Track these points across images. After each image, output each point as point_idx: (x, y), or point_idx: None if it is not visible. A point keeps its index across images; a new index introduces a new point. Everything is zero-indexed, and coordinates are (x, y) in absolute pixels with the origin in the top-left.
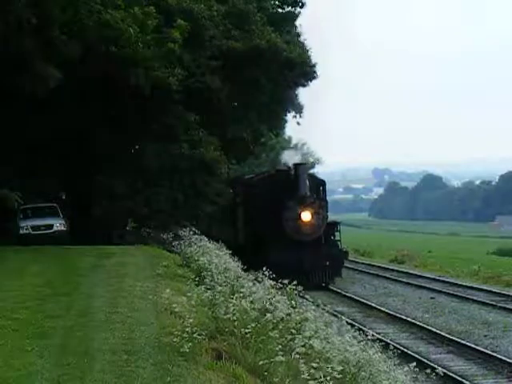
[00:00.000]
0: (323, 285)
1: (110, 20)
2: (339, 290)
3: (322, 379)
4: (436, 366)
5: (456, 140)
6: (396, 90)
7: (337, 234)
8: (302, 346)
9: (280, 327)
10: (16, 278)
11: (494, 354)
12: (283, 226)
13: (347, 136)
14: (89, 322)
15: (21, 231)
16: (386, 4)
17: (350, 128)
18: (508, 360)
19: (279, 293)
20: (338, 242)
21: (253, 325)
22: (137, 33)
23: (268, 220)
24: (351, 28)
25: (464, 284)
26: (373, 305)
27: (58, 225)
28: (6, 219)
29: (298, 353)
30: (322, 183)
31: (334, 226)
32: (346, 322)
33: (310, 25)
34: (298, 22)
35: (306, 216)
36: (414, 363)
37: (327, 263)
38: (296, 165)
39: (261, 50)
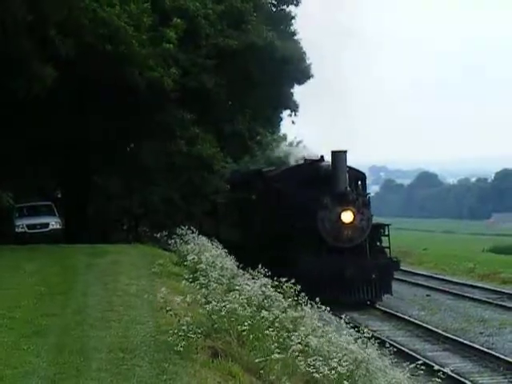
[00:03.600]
0: (368, 303)
1: (106, 17)
2: None
3: (319, 376)
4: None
5: (452, 138)
6: (392, 88)
7: (384, 238)
8: (299, 344)
9: (276, 325)
10: (12, 277)
11: (490, 352)
12: (318, 228)
13: (344, 134)
14: (84, 321)
15: (16, 230)
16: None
17: (347, 126)
18: (504, 357)
19: (276, 291)
20: (387, 250)
21: (249, 322)
22: (132, 31)
23: (296, 221)
24: (348, 25)
25: (460, 281)
26: (368, 302)
27: (54, 223)
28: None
29: (294, 350)
30: (363, 176)
31: (380, 228)
32: (344, 320)
33: (308, 23)
34: (295, 21)
35: (348, 217)
36: (411, 362)
37: (374, 275)
38: (334, 152)
39: (256, 47)
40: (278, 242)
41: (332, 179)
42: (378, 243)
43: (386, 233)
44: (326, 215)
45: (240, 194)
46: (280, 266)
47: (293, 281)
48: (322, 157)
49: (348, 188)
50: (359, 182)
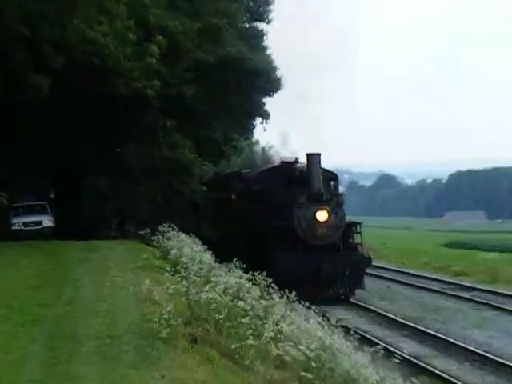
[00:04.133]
0: (342, 297)
1: (94, 36)
2: None
3: (290, 360)
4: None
5: (410, 142)
6: (357, 92)
7: (357, 236)
8: (271, 331)
9: (250, 313)
10: (9, 270)
11: (444, 337)
12: (294, 226)
13: (313, 138)
14: (76, 310)
15: (13, 227)
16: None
17: (314, 131)
18: (456, 342)
19: (250, 282)
20: (359, 246)
21: (225, 311)
22: (118, 47)
23: (273, 220)
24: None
25: (417, 274)
26: (342, 297)
27: (47, 221)
28: None
29: (267, 337)
30: (335, 177)
31: (352, 226)
32: (312, 309)
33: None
34: (266, 37)
35: (323, 215)
36: (372, 346)
37: (347, 271)
38: (308, 155)
39: (231, 60)
40: (257, 240)
41: (307, 180)
42: (351, 240)
43: (359, 230)
44: (301, 214)
45: (220, 194)
46: (258, 263)
47: (264, 273)
48: (296, 159)
49: (322, 188)
50: (332, 183)
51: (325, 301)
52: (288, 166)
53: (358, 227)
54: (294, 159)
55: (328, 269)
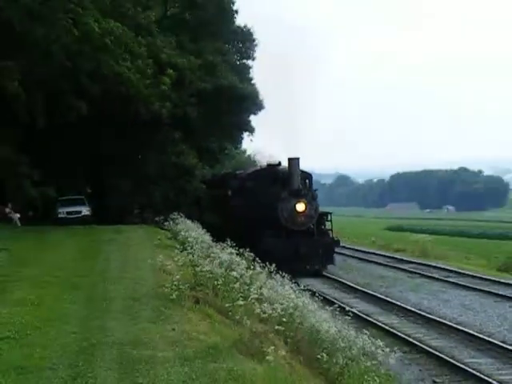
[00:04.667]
0: (317, 271)
1: (121, 70)
2: None
3: (268, 315)
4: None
5: (361, 149)
6: (319, 106)
7: (328, 223)
8: (255, 294)
9: (240, 281)
10: (56, 248)
11: (387, 299)
12: (278, 216)
13: (289, 144)
14: (106, 278)
15: (59, 215)
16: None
17: (289, 140)
18: (396, 302)
19: (239, 257)
20: (330, 231)
21: (221, 279)
22: (139, 78)
23: (261, 210)
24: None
25: (365, 250)
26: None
27: (85, 211)
28: (47, 207)
29: (252, 298)
30: (310, 177)
31: (324, 216)
32: (286, 278)
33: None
34: (252, 70)
35: (301, 207)
36: (331, 306)
37: (320, 251)
38: (290, 159)
39: (224, 88)
40: (249, 226)
41: (288, 179)
42: (323, 227)
43: (329, 219)
44: (284, 206)
45: (218, 191)
46: (249, 244)
47: (253, 251)
48: (279, 162)
49: (300, 185)
50: (307, 181)
51: (302, 273)
52: (273, 168)
53: (329, 216)
54: (277, 162)
55: (305, 250)
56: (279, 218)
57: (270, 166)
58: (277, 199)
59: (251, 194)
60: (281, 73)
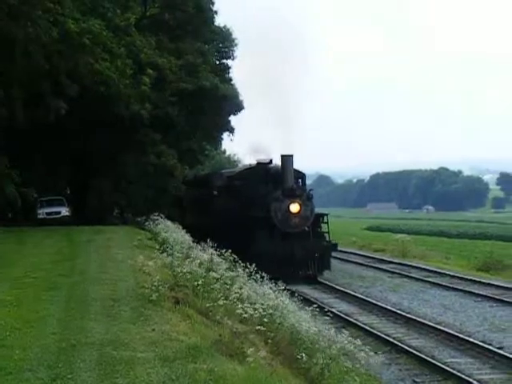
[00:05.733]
0: (312, 277)
1: (100, 69)
2: None
3: (248, 316)
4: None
5: (340, 149)
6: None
7: (324, 225)
8: (236, 294)
9: (220, 281)
10: (36, 249)
11: (367, 299)
12: (271, 217)
13: (271, 145)
14: (86, 279)
15: (39, 216)
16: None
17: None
18: (375, 302)
19: (219, 258)
20: (326, 234)
21: (201, 279)
22: (119, 78)
23: (252, 211)
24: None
25: (346, 250)
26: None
27: (64, 211)
28: (27, 208)
29: (233, 298)
30: (303, 176)
31: (320, 217)
32: (266, 278)
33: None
34: (231, 70)
35: (295, 207)
36: (314, 306)
37: (316, 255)
38: (283, 156)
39: (204, 88)
40: (237, 227)
41: (282, 177)
42: (319, 229)
43: (326, 221)
44: (277, 206)
45: (201, 190)
46: (238, 247)
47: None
48: (271, 160)
49: (294, 185)
50: (300, 180)
51: (296, 280)
52: (264, 166)
53: (326, 218)
54: (268, 160)
55: (301, 253)
56: (272, 219)
57: (260, 163)
58: (269, 199)
59: (240, 193)
60: (263, 72)
